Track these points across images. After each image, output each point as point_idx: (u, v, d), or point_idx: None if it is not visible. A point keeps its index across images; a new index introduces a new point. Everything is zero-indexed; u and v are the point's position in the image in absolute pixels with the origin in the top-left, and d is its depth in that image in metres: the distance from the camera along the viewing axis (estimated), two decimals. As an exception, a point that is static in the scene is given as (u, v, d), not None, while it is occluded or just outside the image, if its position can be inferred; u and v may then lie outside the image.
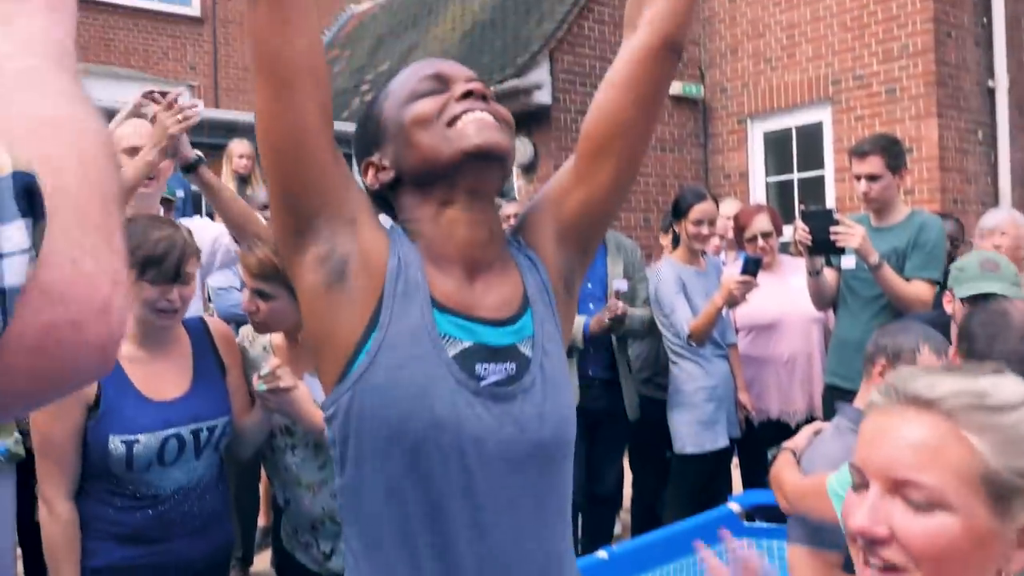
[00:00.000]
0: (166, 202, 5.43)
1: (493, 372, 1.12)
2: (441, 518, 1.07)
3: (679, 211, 3.88)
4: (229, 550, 2.29)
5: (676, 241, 4.06)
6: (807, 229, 3.43)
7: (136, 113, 4.78)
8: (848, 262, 3.58)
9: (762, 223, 4.08)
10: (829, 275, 3.68)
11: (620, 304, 3.55)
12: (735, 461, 4.32)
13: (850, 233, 3.31)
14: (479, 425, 1.08)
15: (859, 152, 3.54)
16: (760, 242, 4.04)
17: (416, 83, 1.18)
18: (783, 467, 2.24)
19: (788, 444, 2.34)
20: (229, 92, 12.47)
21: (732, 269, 4.10)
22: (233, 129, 7.19)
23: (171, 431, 2.04)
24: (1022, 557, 0.91)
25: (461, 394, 1.08)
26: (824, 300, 3.73)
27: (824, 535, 2.06)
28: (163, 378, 2.10)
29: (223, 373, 2.24)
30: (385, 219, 1.22)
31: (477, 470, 1.08)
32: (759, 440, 4.09)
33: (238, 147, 6.16)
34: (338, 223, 1.12)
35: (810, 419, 3.99)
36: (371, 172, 1.21)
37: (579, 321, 3.61)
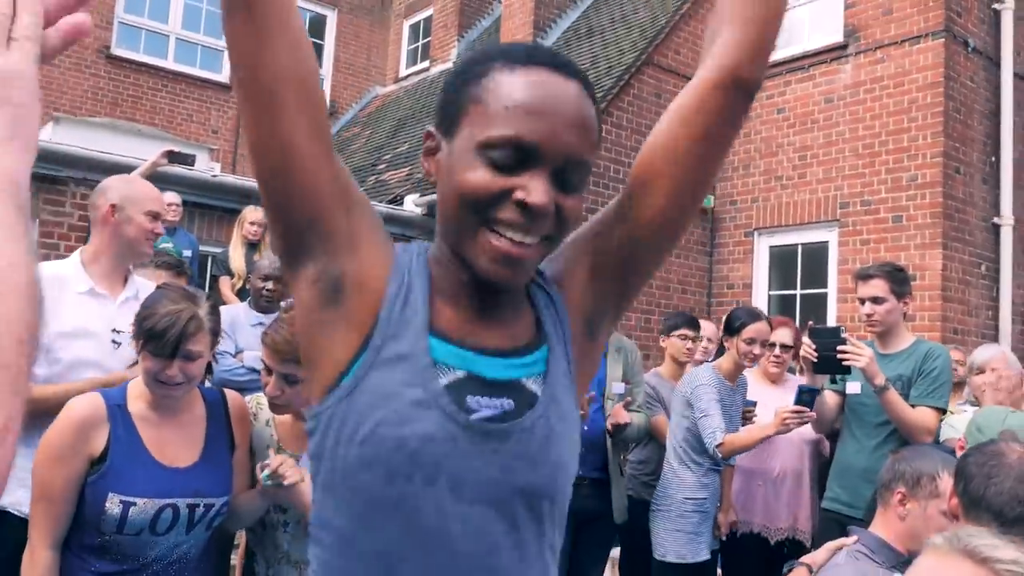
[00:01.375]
0: (178, 265, 5.46)
1: (486, 406, 1.02)
2: (410, 560, 0.98)
3: (731, 328, 3.87)
4: None
5: (720, 352, 4.06)
6: (813, 346, 3.43)
7: (154, 168, 4.86)
8: (854, 387, 3.55)
9: (783, 336, 4.10)
10: (831, 399, 3.66)
11: (624, 414, 3.53)
12: (719, 572, 4.24)
13: (858, 353, 3.30)
14: (461, 462, 0.99)
15: (864, 275, 3.57)
16: (777, 351, 4.07)
17: (510, 120, 1.00)
18: None
19: (806, 559, 2.30)
20: (247, 158, 12.66)
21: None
22: (248, 195, 7.28)
23: (169, 501, 2.00)
24: None
25: (445, 426, 0.99)
26: (823, 423, 3.70)
27: None
28: (173, 444, 2.08)
29: (232, 450, 2.21)
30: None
31: (452, 510, 0.99)
32: (741, 552, 4.04)
33: (251, 214, 6.23)
34: (334, 240, 1.04)
35: (791, 539, 3.95)
36: (427, 145, 1.11)
37: None
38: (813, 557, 2.30)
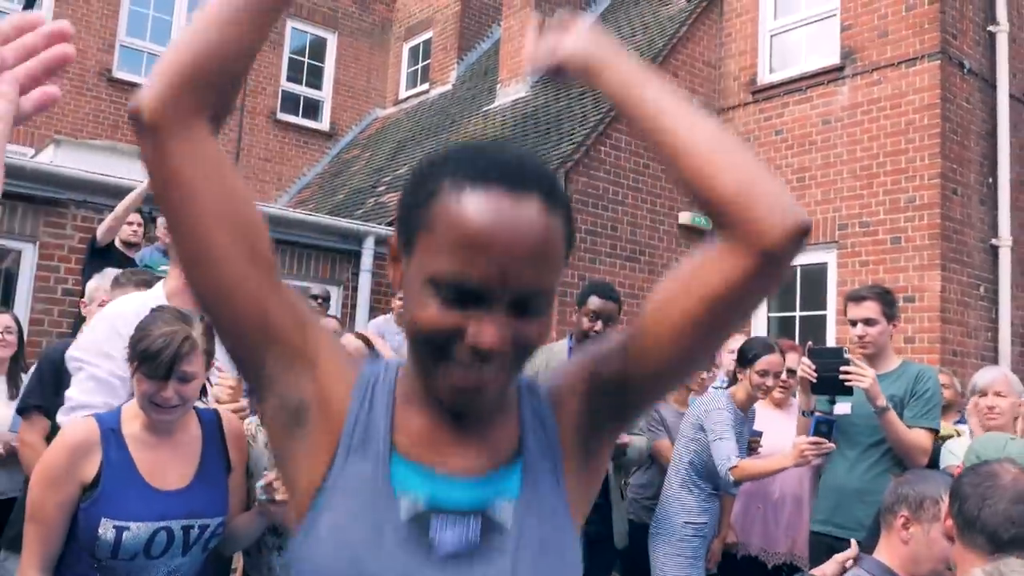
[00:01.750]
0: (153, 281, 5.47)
1: (450, 537, 0.95)
2: None
3: (745, 359, 3.86)
4: None
5: (734, 379, 4.04)
6: (813, 367, 3.42)
7: (149, 191, 4.90)
8: (843, 408, 3.55)
9: (790, 361, 4.08)
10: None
11: (624, 437, 3.53)
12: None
13: (862, 374, 3.30)
14: None
15: (856, 297, 3.59)
16: (783, 376, 4.06)
17: (456, 256, 0.91)
18: None
19: (817, 572, 2.30)
20: (248, 180, 12.71)
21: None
22: (248, 217, 7.30)
23: (164, 523, 1.99)
24: None
25: (405, 562, 0.93)
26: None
27: None
28: (167, 467, 2.07)
29: (228, 471, 2.20)
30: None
31: None
32: (739, 575, 4.04)
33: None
34: (292, 368, 0.99)
35: (789, 564, 3.94)
36: (391, 254, 1.03)
37: None
38: (823, 570, 2.30)
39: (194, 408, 2.22)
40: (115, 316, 2.46)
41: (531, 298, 0.93)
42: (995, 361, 6.92)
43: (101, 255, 4.92)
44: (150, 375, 2.00)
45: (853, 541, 2.46)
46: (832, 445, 3.37)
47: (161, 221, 6.18)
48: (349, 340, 4.42)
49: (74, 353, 2.46)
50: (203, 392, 2.25)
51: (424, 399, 1.01)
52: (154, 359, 1.99)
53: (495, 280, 0.90)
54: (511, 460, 1.02)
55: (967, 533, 1.83)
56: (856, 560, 2.29)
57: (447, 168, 0.95)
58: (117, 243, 5.54)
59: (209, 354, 2.11)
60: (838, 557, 2.34)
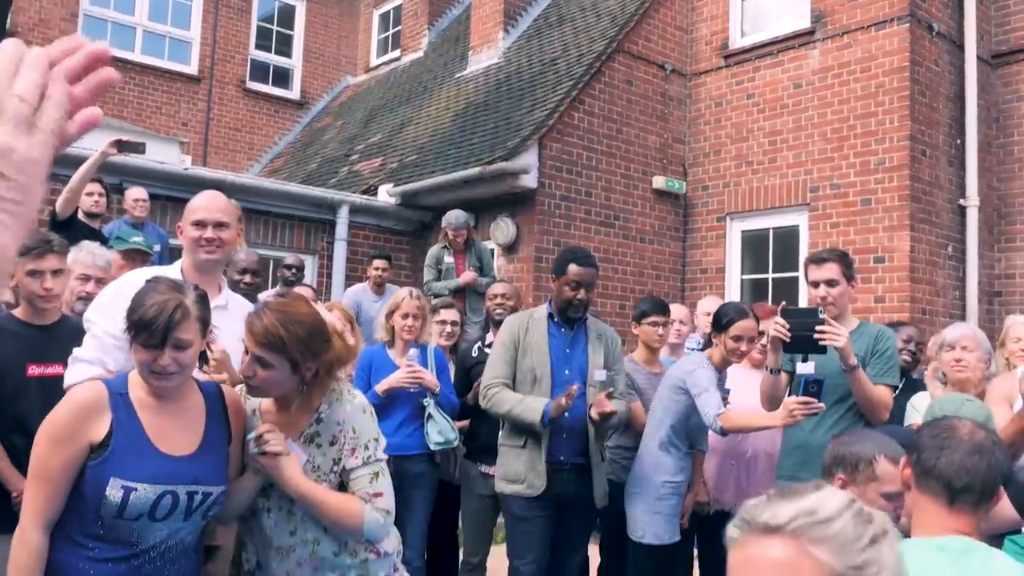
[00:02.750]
0: (142, 255, 5.43)
1: None
2: None
3: (719, 325, 3.92)
4: None
5: (709, 342, 4.10)
6: (787, 326, 3.47)
7: (104, 159, 4.83)
8: (807, 368, 3.62)
9: (772, 327, 4.15)
10: (784, 380, 3.74)
11: (608, 403, 3.57)
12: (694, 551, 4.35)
13: (836, 334, 3.37)
14: None
15: (817, 259, 3.67)
16: (764, 340, 4.12)
17: None
18: None
19: None
20: (218, 151, 12.60)
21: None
22: (220, 188, 7.24)
23: (171, 487, 2.03)
24: None
25: None
26: (775, 401, 3.77)
27: None
28: (174, 432, 2.11)
29: (229, 441, 2.25)
30: None
31: None
32: (714, 530, 4.14)
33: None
34: None
35: None
36: None
37: (539, 405, 3.62)
38: None
39: (196, 380, 2.26)
40: (123, 282, 2.58)
41: None
42: (963, 319, 7.06)
43: (64, 228, 4.85)
44: (146, 344, 2.04)
45: None
46: (821, 405, 3.39)
47: (129, 193, 6.11)
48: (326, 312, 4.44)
49: (86, 313, 2.64)
50: (204, 360, 2.27)
51: None
52: (148, 327, 2.02)
53: None
54: None
55: (924, 481, 1.91)
56: None
57: None
58: (80, 215, 5.47)
59: (204, 321, 2.15)
60: None
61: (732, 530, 1.13)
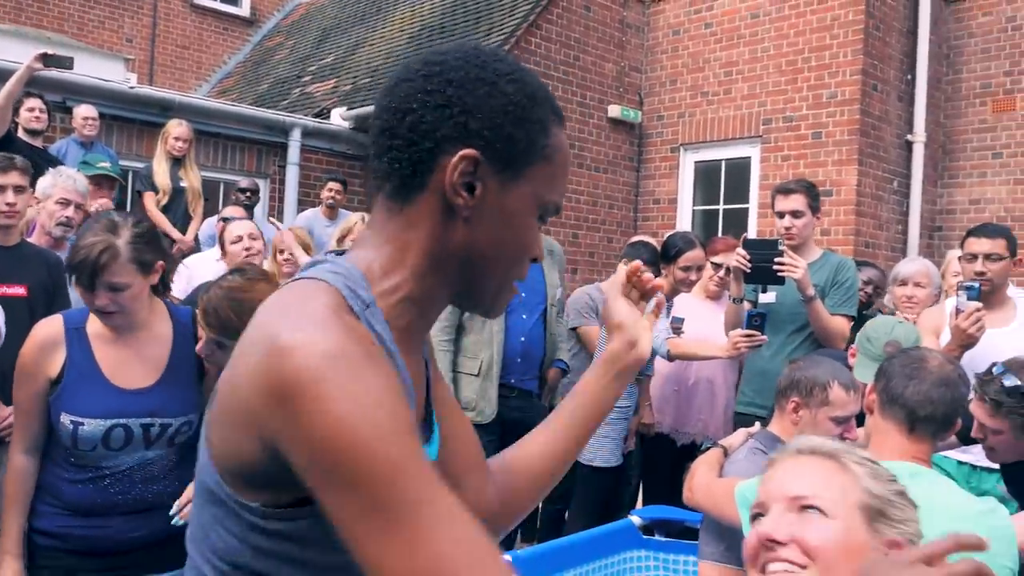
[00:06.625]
0: (110, 180, 5.30)
1: None
2: None
3: (668, 255, 3.97)
4: (181, 533, 2.24)
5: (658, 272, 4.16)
6: (747, 257, 3.55)
7: (30, 74, 4.68)
8: (768, 298, 3.72)
9: (732, 259, 4.21)
10: (747, 308, 3.84)
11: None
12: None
13: (795, 265, 3.47)
14: None
15: (784, 190, 3.72)
16: (722, 272, 4.20)
17: (561, 186, 1.01)
18: (706, 462, 2.40)
19: (724, 442, 2.50)
20: (165, 69, 12.20)
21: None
22: (168, 108, 7.07)
23: (119, 421, 2.07)
24: None
25: None
26: (736, 328, 3.90)
27: (734, 553, 2.18)
28: (131, 366, 2.13)
29: (201, 373, 2.23)
30: None
31: None
32: (654, 450, 4.30)
33: (175, 128, 6.08)
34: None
35: (699, 444, 4.19)
36: (466, 171, 0.93)
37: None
38: (730, 440, 2.50)
39: (170, 307, 2.25)
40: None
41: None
42: (904, 253, 7.26)
43: (2, 146, 4.69)
44: (79, 284, 2.06)
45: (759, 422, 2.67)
46: (764, 338, 3.54)
47: (78, 111, 5.93)
48: (287, 237, 4.42)
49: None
50: (165, 287, 2.24)
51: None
52: (77, 270, 2.04)
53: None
54: None
55: (888, 407, 2.00)
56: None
57: (547, 106, 0.98)
58: (21, 133, 5.29)
59: (141, 263, 2.08)
60: (745, 430, 2.54)
61: (778, 452, 1.27)
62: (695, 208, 8.36)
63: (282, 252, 4.36)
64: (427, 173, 0.93)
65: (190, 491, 2.25)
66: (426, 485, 0.79)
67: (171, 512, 2.17)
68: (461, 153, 0.91)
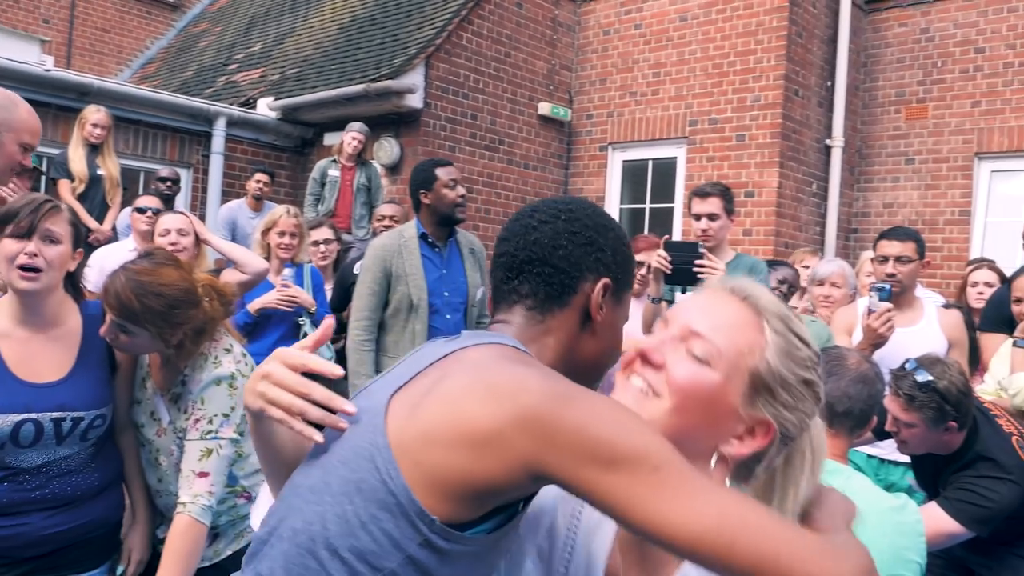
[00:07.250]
0: (31, 170, 5.10)
1: None
2: None
3: None
4: (105, 528, 2.20)
5: None
6: (668, 259, 3.62)
7: None
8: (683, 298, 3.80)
9: (653, 258, 4.27)
10: (659, 309, 3.93)
11: None
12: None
13: (714, 268, 3.56)
14: None
15: (701, 193, 3.81)
16: (643, 271, 4.24)
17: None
18: None
19: None
20: (84, 52, 11.80)
21: None
22: (85, 92, 6.85)
23: (28, 416, 2.00)
24: (739, 446, 1.09)
25: None
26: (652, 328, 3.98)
27: None
28: (39, 360, 2.06)
29: (112, 365, 2.18)
30: None
31: None
32: None
33: (92, 114, 5.90)
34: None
35: None
36: (605, 291, 1.20)
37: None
38: None
39: (79, 302, 2.19)
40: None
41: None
42: (822, 253, 7.49)
43: None
44: (13, 234, 1.98)
45: None
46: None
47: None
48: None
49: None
50: (75, 288, 2.20)
51: None
52: (15, 216, 1.97)
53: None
54: None
55: None
56: None
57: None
58: None
59: (75, 228, 2.09)
60: None
61: (708, 283, 1.21)
62: (622, 207, 8.47)
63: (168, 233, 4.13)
64: (570, 294, 1.18)
65: (136, 548, 2.23)
66: (678, 454, 0.94)
67: (119, 571, 2.15)
68: (604, 282, 1.18)
